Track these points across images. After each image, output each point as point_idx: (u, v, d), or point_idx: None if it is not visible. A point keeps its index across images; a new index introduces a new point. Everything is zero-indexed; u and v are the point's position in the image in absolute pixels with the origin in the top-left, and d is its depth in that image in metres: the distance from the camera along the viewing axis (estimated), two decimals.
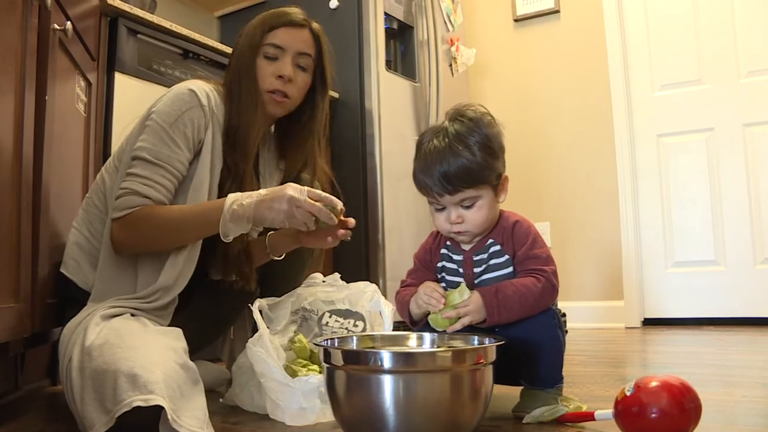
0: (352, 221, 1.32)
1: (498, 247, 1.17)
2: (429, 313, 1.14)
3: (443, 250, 1.24)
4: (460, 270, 1.20)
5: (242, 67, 1.38)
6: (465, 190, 1.12)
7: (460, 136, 1.12)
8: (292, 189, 1.21)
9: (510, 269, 1.16)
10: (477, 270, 1.18)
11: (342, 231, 1.33)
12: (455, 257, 1.22)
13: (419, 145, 1.18)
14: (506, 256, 1.16)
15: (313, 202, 1.21)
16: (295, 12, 1.41)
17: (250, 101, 1.35)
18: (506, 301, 1.09)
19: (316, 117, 1.47)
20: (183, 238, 1.26)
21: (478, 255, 1.19)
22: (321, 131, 1.49)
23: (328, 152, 2.64)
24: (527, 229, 1.17)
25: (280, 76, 1.36)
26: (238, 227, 1.23)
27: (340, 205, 1.25)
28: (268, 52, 1.38)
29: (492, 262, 1.17)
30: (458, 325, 1.10)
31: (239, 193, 1.24)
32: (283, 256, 1.44)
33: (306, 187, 1.23)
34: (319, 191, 1.25)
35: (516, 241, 1.16)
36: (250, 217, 1.21)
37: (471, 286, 1.18)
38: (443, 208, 1.16)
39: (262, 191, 1.23)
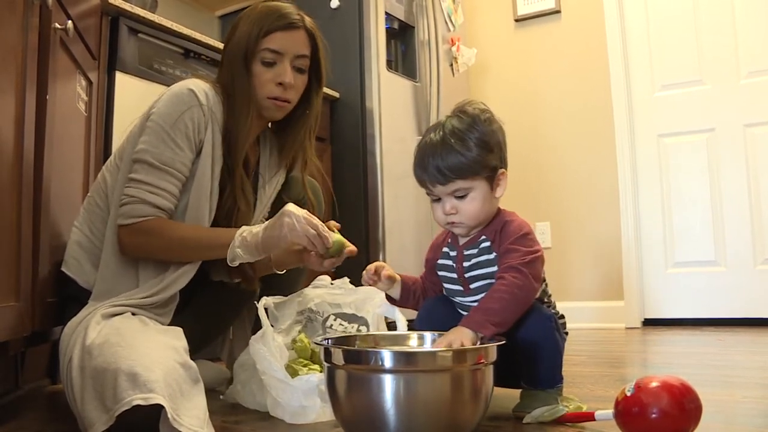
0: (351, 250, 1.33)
1: (488, 244, 1.18)
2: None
3: (445, 248, 1.25)
4: (454, 265, 1.22)
5: (237, 72, 1.36)
6: (456, 181, 1.14)
7: (455, 130, 1.15)
8: (290, 206, 1.25)
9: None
10: (466, 264, 1.20)
11: (332, 260, 1.32)
12: (451, 253, 1.24)
13: (420, 140, 1.21)
14: (495, 254, 1.17)
15: (311, 225, 1.23)
16: (290, 11, 1.39)
17: (244, 108, 1.34)
18: (494, 314, 1.06)
19: (311, 113, 1.47)
20: (189, 257, 1.28)
21: (468, 250, 1.20)
22: (314, 126, 1.49)
23: (328, 151, 2.65)
24: (517, 227, 1.17)
25: (280, 83, 1.36)
26: (247, 254, 1.24)
27: (331, 238, 1.26)
28: (266, 57, 1.35)
29: (482, 258, 1.18)
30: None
31: (248, 226, 1.27)
32: (284, 271, 1.46)
33: (305, 211, 1.25)
34: (316, 220, 1.25)
35: (503, 238, 1.17)
36: (259, 242, 1.23)
37: (462, 281, 1.20)
38: (439, 200, 1.18)
39: (267, 221, 1.27)
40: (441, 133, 1.16)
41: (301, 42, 1.39)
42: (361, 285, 1.30)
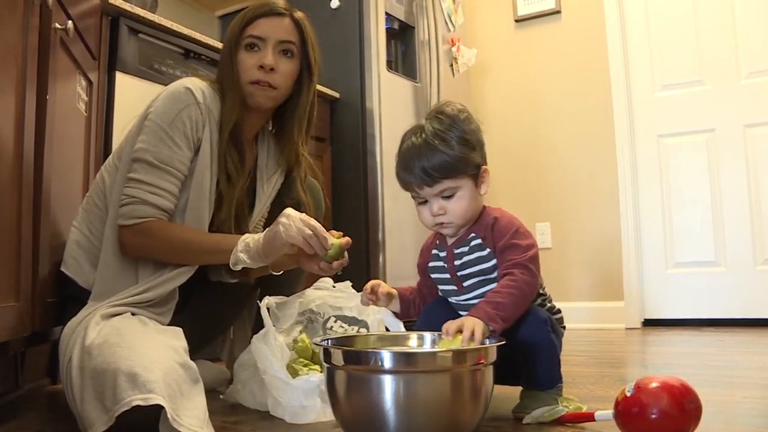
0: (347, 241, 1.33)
1: (479, 241, 1.19)
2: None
3: (434, 250, 1.26)
4: (445, 266, 1.22)
5: (225, 62, 1.38)
6: (443, 181, 1.15)
7: (437, 131, 1.16)
8: (289, 209, 1.26)
9: (492, 262, 1.17)
10: (457, 263, 1.20)
11: (336, 263, 1.32)
12: (441, 254, 1.24)
13: (400, 145, 1.22)
14: (488, 250, 1.18)
15: (308, 225, 1.23)
16: (276, 2, 1.40)
17: (235, 96, 1.35)
18: (503, 309, 1.06)
19: (299, 105, 1.44)
20: (189, 260, 1.28)
21: (458, 248, 1.20)
22: (304, 119, 1.46)
23: (328, 151, 2.65)
24: (508, 222, 1.18)
25: (261, 66, 1.35)
26: (250, 260, 1.24)
27: (331, 240, 1.26)
28: (249, 43, 1.36)
29: (474, 255, 1.18)
30: (466, 343, 1.02)
31: (250, 234, 1.28)
32: (281, 272, 1.46)
33: (303, 213, 1.26)
34: (314, 222, 1.25)
35: (497, 234, 1.17)
36: (260, 247, 1.23)
37: (455, 280, 1.20)
38: (426, 202, 1.19)
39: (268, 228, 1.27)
40: (423, 135, 1.16)
41: (284, 28, 1.38)
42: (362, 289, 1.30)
